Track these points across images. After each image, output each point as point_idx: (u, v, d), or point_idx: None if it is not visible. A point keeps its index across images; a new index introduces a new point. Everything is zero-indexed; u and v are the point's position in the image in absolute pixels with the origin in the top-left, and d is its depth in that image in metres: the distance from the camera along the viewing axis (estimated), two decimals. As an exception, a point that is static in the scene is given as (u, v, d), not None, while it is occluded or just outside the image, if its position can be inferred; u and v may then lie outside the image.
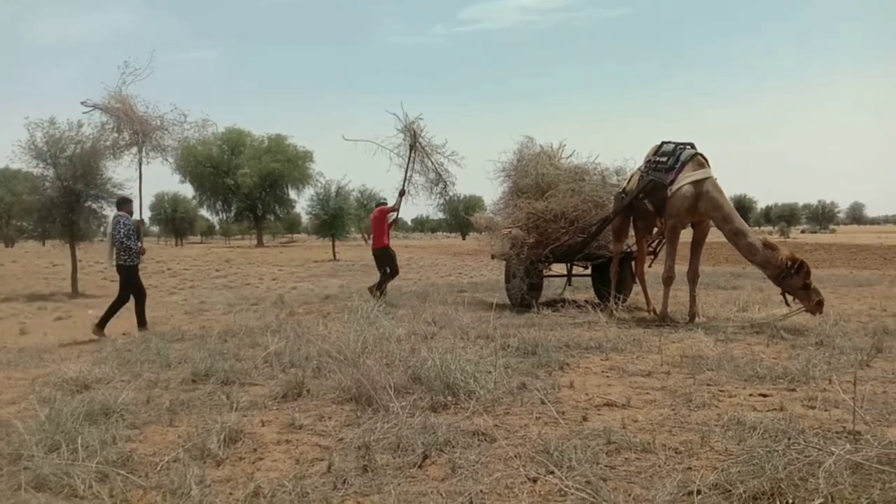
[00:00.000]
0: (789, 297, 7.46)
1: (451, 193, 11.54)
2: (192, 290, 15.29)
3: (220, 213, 58.52)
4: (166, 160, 10.55)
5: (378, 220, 11.24)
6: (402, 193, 11.09)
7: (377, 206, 11.61)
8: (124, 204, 8.93)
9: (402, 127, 10.97)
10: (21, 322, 9.70)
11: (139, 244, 8.60)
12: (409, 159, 11.01)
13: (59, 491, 2.99)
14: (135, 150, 9.75)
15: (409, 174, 11.07)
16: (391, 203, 11.29)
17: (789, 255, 7.36)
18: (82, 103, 9.46)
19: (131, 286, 8.55)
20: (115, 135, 10.21)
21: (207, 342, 6.77)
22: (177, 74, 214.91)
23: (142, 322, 8.55)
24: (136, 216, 9.04)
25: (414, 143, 10.96)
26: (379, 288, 10.98)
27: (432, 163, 11.14)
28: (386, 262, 11.20)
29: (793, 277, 7.25)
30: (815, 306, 7.14)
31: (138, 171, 9.55)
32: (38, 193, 14.45)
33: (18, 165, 14.96)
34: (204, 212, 62.68)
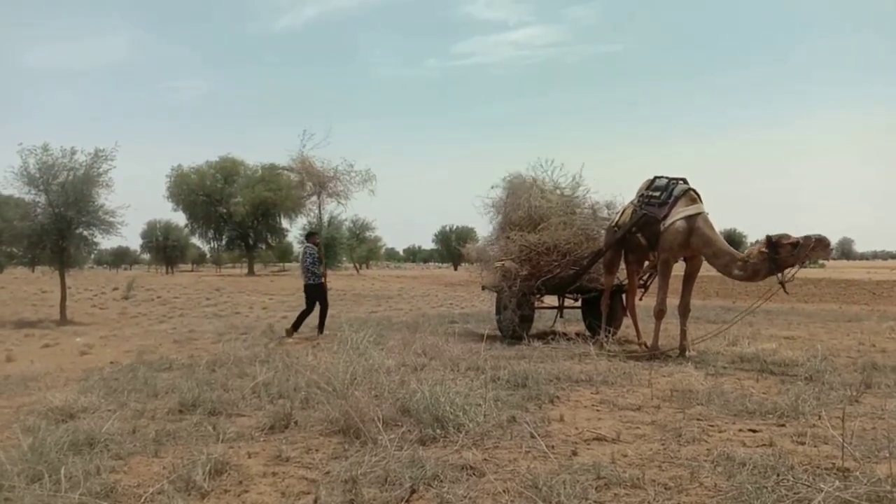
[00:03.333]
0: (789, 273, 7.27)
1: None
2: (181, 319, 15.17)
3: (211, 241, 58.35)
4: (341, 203, 12.53)
5: None
6: None
7: None
8: (311, 237, 11.32)
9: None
10: (7, 349, 9.59)
11: (322, 268, 11.13)
12: None
13: (40, 523, 2.95)
14: (314, 197, 12.07)
15: None
16: None
17: (758, 247, 7.35)
18: (278, 168, 12.23)
19: (320, 299, 11.09)
20: (301, 192, 12.45)
21: (195, 372, 6.72)
22: (171, 102, 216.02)
23: (321, 328, 11.06)
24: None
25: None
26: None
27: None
28: None
29: (781, 256, 7.12)
30: (819, 244, 6.93)
31: (319, 214, 12.30)
32: (29, 219, 14.37)
33: (10, 191, 14.93)
34: (195, 240, 62.50)
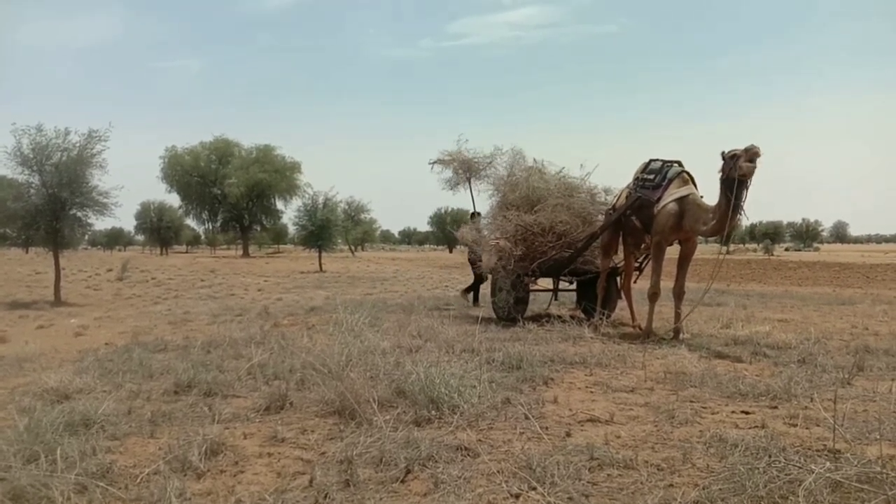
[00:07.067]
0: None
1: None
2: (176, 300, 15.15)
3: (206, 222, 58.23)
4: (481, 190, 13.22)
5: None
6: None
7: None
8: (474, 217, 12.39)
9: None
10: (2, 330, 9.56)
11: None
12: None
13: (37, 503, 2.96)
14: (465, 184, 12.90)
15: None
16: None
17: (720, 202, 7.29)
18: (429, 162, 13.09)
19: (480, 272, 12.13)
20: (452, 175, 13.12)
21: (190, 353, 6.72)
22: (164, 82, 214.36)
23: (475, 300, 12.79)
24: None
25: None
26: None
27: None
28: None
29: (724, 171, 7.08)
30: (744, 150, 6.87)
31: (471, 198, 13.02)
32: (22, 200, 14.26)
33: (3, 172, 14.80)
34: (190, 221, 62.37)
